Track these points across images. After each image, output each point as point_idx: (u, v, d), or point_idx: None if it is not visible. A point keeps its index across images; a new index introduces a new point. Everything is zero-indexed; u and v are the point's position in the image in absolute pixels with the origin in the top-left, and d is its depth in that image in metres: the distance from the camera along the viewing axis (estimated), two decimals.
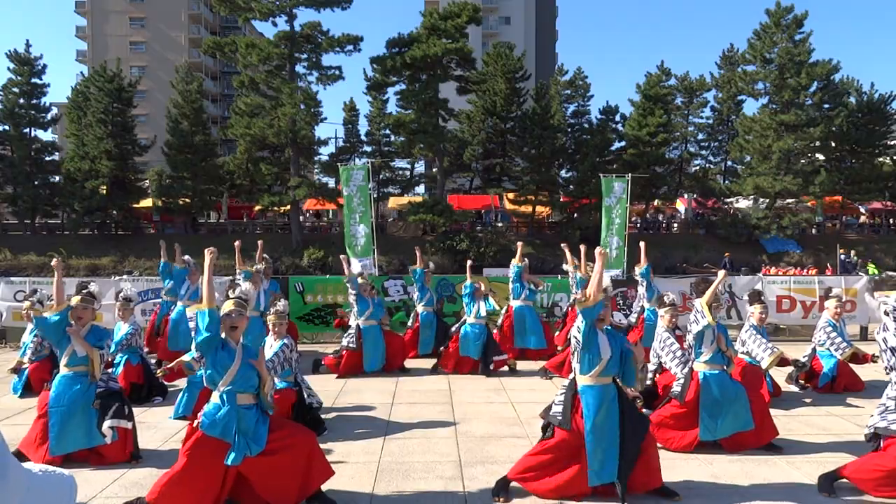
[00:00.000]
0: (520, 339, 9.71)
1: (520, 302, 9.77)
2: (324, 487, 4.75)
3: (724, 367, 5.65)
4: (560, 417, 4.50)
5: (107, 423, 5.22)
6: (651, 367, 6.76)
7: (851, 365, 7.94)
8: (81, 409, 5.27)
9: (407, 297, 11.42)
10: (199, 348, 4.28)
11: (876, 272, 20.37)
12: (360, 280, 9.03)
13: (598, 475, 4.40)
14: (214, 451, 4.15)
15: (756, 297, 7.40)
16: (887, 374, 4.60)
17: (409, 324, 10.04)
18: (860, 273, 22.47)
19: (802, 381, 8.05)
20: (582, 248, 10.31)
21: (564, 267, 10.49)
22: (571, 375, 4.71)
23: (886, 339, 4.52)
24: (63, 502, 1.20)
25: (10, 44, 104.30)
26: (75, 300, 5.53)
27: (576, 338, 4.59)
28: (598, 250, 4.78)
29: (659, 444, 5.24)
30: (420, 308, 9.81)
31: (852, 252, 29.29)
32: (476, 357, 8.83)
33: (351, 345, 8.69)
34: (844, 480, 4.67)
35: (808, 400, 7.49)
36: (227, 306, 4.47)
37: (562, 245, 10.77)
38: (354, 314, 8.87)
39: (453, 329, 9.14)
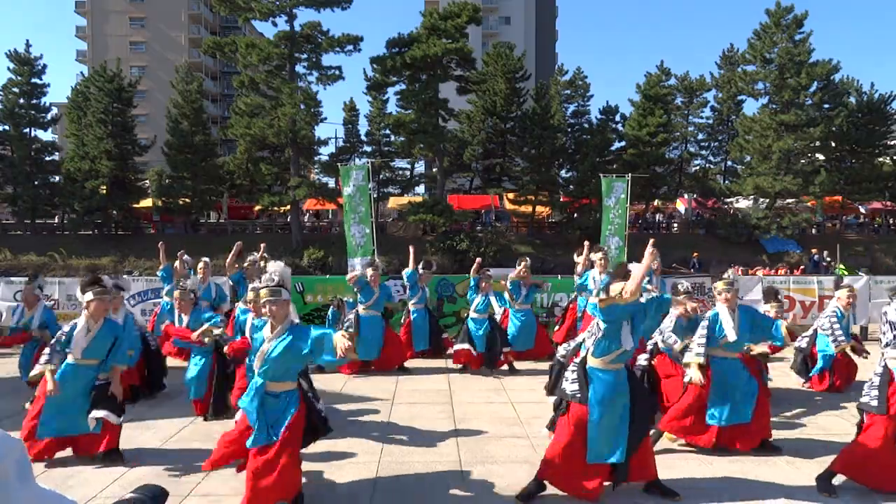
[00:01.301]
0: (514, 341, 9.59)
1: (517, 305, 9.69)
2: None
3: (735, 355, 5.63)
4: (578, 395, 4.49)
5: (95, 413, 5.24)
6: (644, 356, 6.71)
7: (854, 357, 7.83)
8: (82, 396, 5.31)
9: (407, 298, 11.41)
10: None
11: (845, 273, 20.42)
12: (370, 272, 9.13)
13: (597, 454, 4.40)
14: (245, 432, 4.34)
15: (772, 295, 7.20)
16: (882, 349, 4.65)
17: (402, 320, 10.06)
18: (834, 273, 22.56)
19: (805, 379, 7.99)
20: (586, 244, 10.15)
21: (577, 259, 10.23)
22: (582, 354, 4.71)
23: (887, 313, 4.59)
24: None
25: (10, 44, 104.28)
26: (88, 296, 5.42)
27: (598, 325, 4.51)
28: (648, 249, 4.73)
29: (685, 442, 5.37)
30: (411, 306, 9.82)
31: (825, 252, 29.54)
32: (480, 350, 8.92)
33: (349, 329, 8.78)
34: (843, 478, 4.68)
35: (808, 400, 7.48)
36: (263, 295, 4.42)
37: (585, 242, 10.30)
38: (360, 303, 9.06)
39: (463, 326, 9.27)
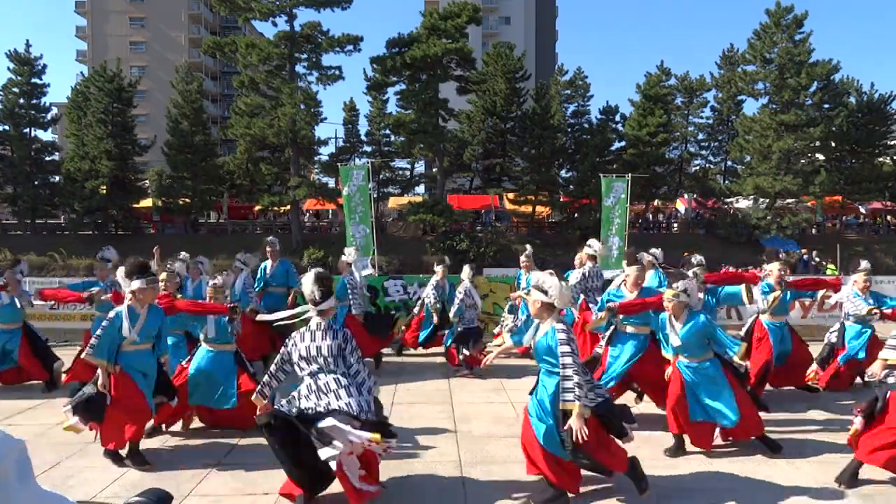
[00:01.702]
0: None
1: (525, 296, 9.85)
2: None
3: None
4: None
5: (159, 398, 5.64)
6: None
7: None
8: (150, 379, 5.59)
9: (407, 297, 11.41)
10: None
11: (836, 273, 20.38)
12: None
13: (545, 444, 4.40)
14: None
15: (773, 255, 7.25)
16: None
17: (416, 311, 10.07)
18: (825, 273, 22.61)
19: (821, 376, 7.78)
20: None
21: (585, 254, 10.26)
22: None
23: None
24: None
25: (10, 44, 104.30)
26: (137, 283, 5.46)
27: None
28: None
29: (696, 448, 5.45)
30: (428, 302, 9.78)
31: (814, 252, 29.63)
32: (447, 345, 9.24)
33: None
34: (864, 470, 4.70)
35: (810, 399, 7.46)
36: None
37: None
38: None
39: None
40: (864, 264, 7.91)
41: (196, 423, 6.43)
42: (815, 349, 7.99)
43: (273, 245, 9.91)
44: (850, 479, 4.72)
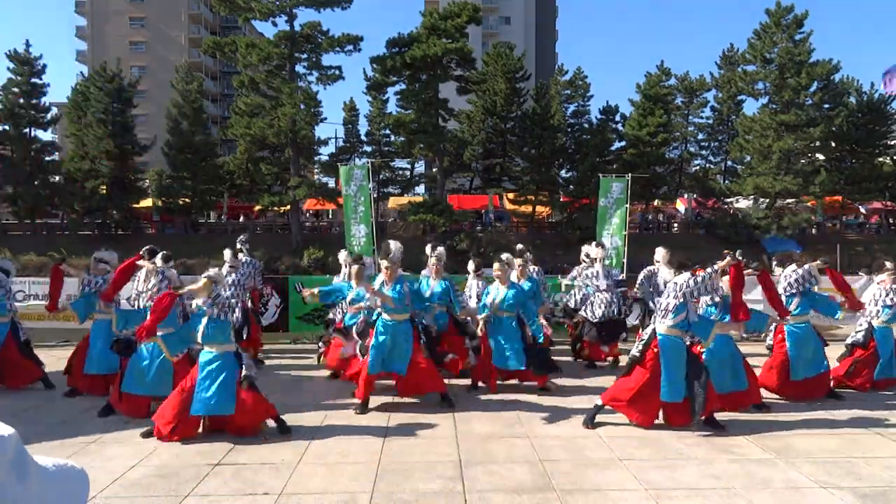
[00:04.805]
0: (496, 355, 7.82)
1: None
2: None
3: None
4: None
5: None
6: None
7: None
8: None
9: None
10: None
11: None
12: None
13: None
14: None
15: (788, 258, 7.54)
16: None
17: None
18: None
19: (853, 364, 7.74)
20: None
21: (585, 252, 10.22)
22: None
23: None
24: (77, 495, 1.23)
25: (10, 44, 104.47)
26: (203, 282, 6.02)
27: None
28: None
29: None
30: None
31: (738, 252, 29.69)
32: None
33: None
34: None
35: (816, 400, 7.45)
36: None
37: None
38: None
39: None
40: (889, 265, 8.00)
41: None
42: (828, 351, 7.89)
43: (440, 258, 8.88)
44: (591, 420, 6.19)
